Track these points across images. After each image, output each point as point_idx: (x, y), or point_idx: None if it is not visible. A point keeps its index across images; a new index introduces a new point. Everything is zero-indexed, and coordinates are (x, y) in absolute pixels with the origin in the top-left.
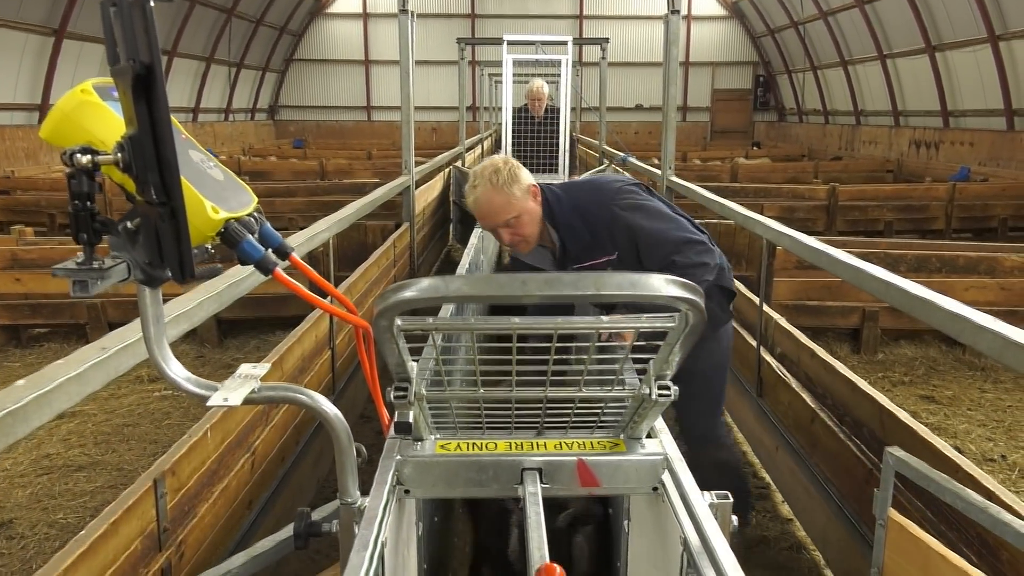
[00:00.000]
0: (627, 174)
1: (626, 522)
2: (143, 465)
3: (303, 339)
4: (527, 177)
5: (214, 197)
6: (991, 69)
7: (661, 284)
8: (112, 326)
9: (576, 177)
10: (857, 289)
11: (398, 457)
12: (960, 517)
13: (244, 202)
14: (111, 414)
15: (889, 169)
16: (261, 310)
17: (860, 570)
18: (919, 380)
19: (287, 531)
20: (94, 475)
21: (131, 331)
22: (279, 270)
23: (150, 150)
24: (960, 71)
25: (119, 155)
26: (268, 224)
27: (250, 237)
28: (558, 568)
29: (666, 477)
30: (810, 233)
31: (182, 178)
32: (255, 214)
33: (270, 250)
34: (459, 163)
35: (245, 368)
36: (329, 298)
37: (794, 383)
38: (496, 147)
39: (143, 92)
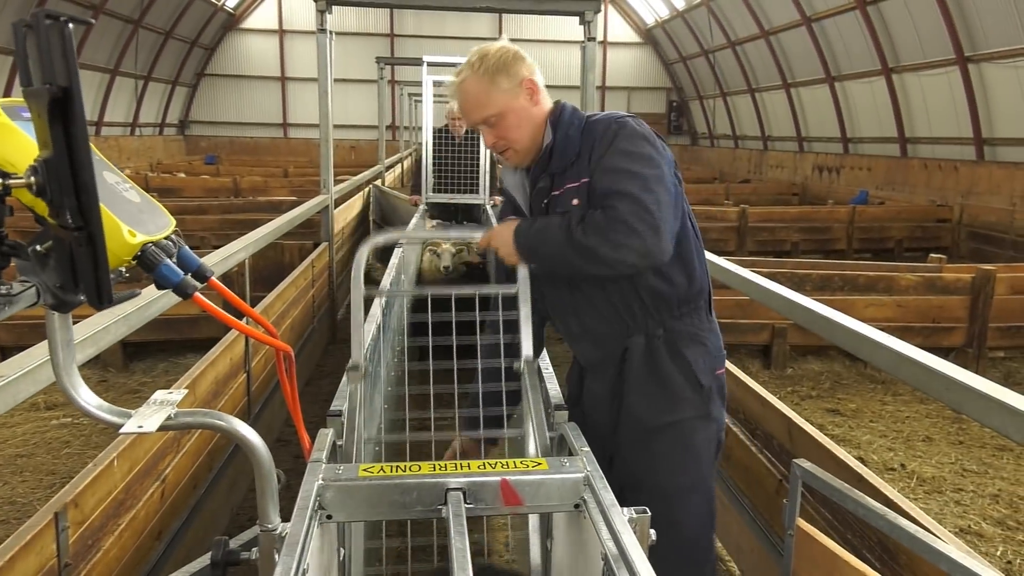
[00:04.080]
0: None
1: (548, 540)
2: (39, 498)
3: (217, 362)
4: (524, 69)
5: (131, 220)
6: (885, 99)
7: None
8: (3, 351)
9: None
10: (767, 307)
11: (320, 481)
12: (862, 524)
13: (162, 225)
14: (2, 444)
15: (795, 192)
16: (171, 332)
17: (772, 575)
18: (825, 394)
19: (203, 560)
20: None
21: (30, 357)
22: (198, 294)
23: (67, 174)
24: (857, 100)
25: (32, 178)
26: (187, 247)
27: (168, 261)
28: None
29: (587, 494)
30: (721, 253)
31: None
32: (173, 237)
33: (189, 274)
34: (379, 182)
35: (160, 394)
36: (246, 320)
37: None
38: (416, 167)
39: (60, 116)
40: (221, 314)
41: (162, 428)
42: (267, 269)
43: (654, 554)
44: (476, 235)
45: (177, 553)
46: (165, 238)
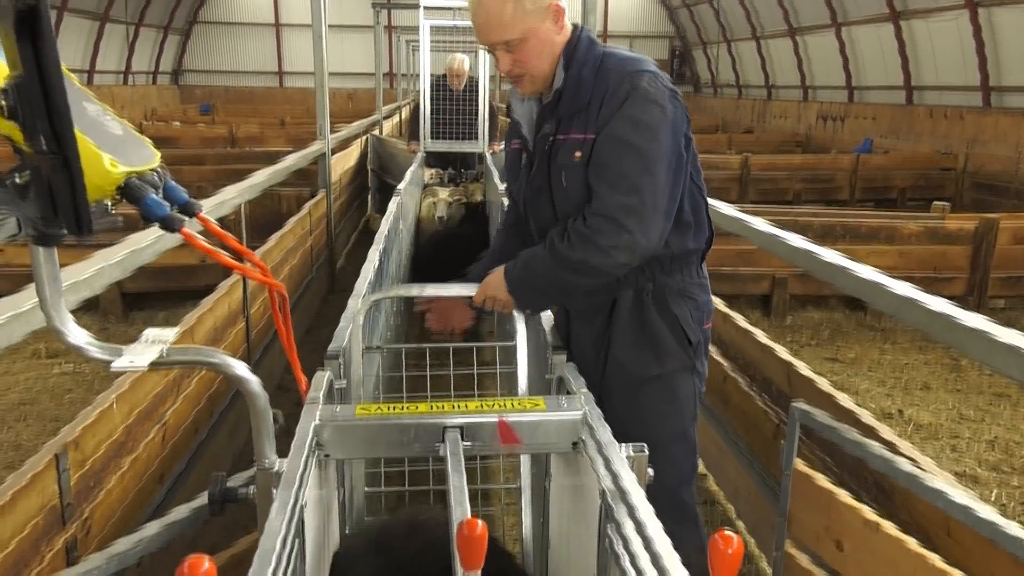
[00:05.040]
0: None
1: (547, 482)
2: (44, 443)
3: (215, 308)
4: None
5: (113, 151)
6: (892, 46)
7: None
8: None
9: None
10: (768, 257)
11: (316, 421)
12: (859, 465)
13: (146, 157)
14: (6, 391)
15: (798, 141)
16: (169, 281)
17: (768, 519)
18: (824, 343)
19: (202, 499)
20: None
21: (23, 298)
22: (187, 229)
23: (38, 95)
24: (864, 47)
25: (3, 101)
26: (173, 182)
27: (153, 193)
28: (480, 522)
29: (585, 434)
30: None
31: (77, 130)
32: (159, 171)
33: (175, 208)
34: (376, 131)
35: (152, 331)
36: (246, 262)
37: None
38: (414, 116)
39: (28, 33)
40: (211, 250)
41: (154, 365)
42: (264, 218)
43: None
44: (470, 290)
45: (180, 495)
46: (150, 171)
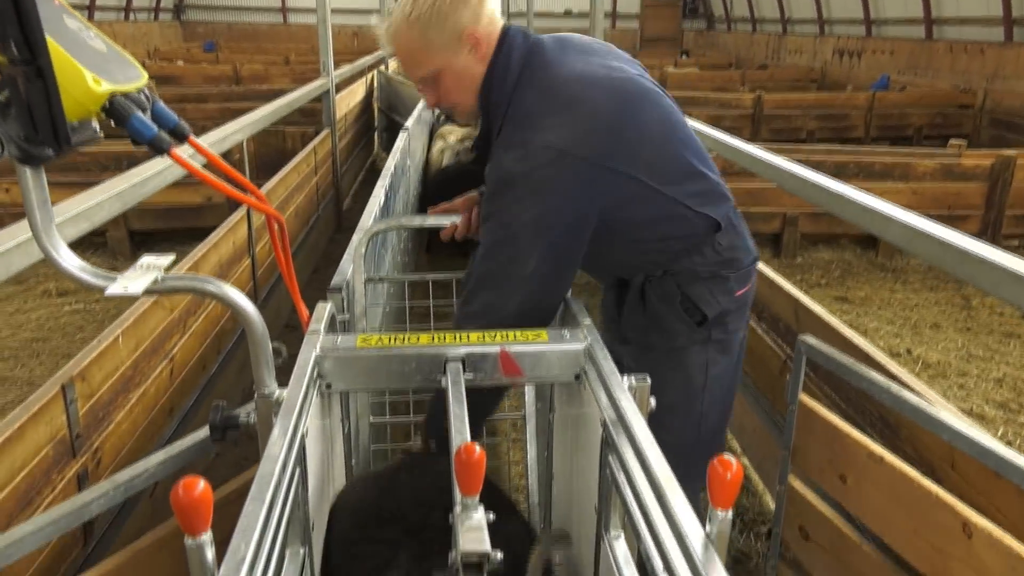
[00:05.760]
0: None
1: (552, 414)
2: None
3: (220, 245)
4: (465, 16)
5: (96, 68)
6: None
7: None
8: None
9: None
10: (779, 196)
11: (317, 351)
12: (865, 399)
13: (132, 76)
14: (18, 329)
15: (813, 78)
16: (175, 220)
17: (773, 454)
18: (834, 282)
19: (205, 429)
20: (3, 390)
21: (21, 229)
22: (177, 152)
23: (7, 1)
24: None
25: None
26: (161, 103)
27: (140, 114)
28: (478, 447)
29: (588, 365)
30: None
31: (57, 46)
32: (145, 91)
33: (163, 131)
34: (383, 68)
35: (147, 258)
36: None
37: None
38: None
39: None
40: (200, 172)
41: (148, 291)
42: (269, 156)
43: None
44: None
45: (189, 429)
46: (136, 91)
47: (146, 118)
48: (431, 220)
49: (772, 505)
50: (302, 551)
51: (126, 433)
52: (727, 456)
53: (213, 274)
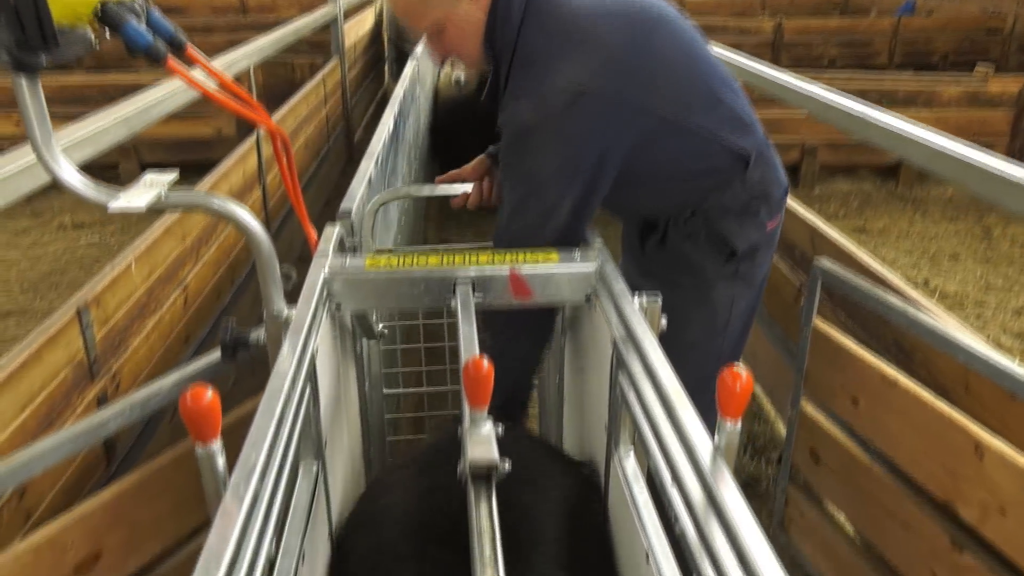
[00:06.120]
0: None
1: (563, 337)
2: None
3: (230, 175)
4: None
5: None
6: None
7: None
8: None
9: None
10: (798, 125)
11: (326, 272)
12: (879, 324)
13: None
14: (36, 261)
15: (836, 3)
16: (187, 153)
17: (786, 381)
18: (853, 213)
19: (216, 353)
20: (24, 321)
21: (28, 152)
22: (173, 62)
23: None
24: None
25: None
26: (158, 12)
27: (134, 21)
28: (486, 361)
29: (599, 285)
30: None
31: None
32: (140, 0)
33: (160, 40)
34: None
35: (150, 175)
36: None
37: None
38: None
39: None
40: (196, 83)
41: (152, 207)
42: (278, 87)
43: None
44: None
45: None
46: None
47: (141, 26)
48: (440, 189)
49: (783, 432)
50: (315, 466)
51: (143, 359)
52: (737, 367)
53: None
